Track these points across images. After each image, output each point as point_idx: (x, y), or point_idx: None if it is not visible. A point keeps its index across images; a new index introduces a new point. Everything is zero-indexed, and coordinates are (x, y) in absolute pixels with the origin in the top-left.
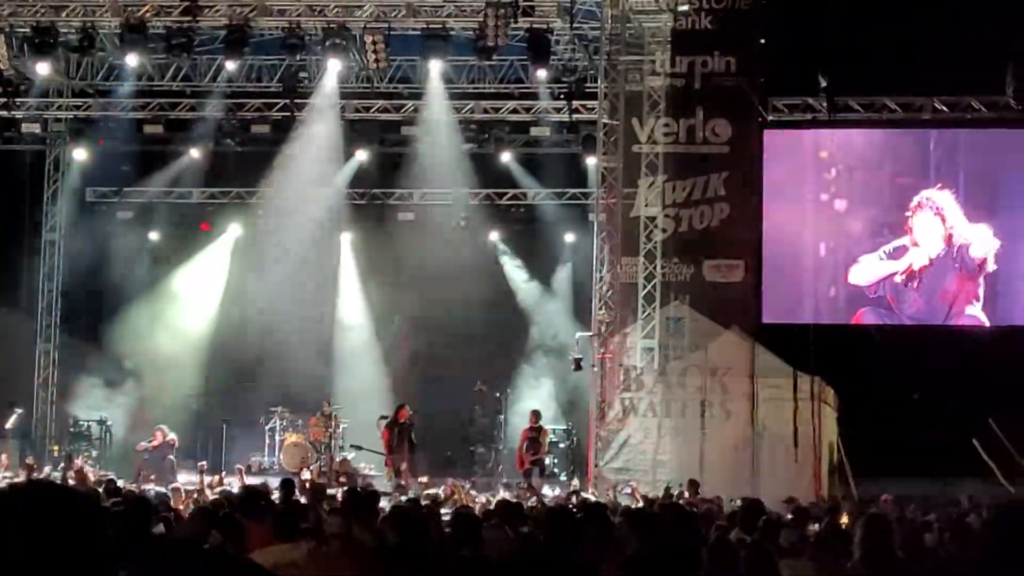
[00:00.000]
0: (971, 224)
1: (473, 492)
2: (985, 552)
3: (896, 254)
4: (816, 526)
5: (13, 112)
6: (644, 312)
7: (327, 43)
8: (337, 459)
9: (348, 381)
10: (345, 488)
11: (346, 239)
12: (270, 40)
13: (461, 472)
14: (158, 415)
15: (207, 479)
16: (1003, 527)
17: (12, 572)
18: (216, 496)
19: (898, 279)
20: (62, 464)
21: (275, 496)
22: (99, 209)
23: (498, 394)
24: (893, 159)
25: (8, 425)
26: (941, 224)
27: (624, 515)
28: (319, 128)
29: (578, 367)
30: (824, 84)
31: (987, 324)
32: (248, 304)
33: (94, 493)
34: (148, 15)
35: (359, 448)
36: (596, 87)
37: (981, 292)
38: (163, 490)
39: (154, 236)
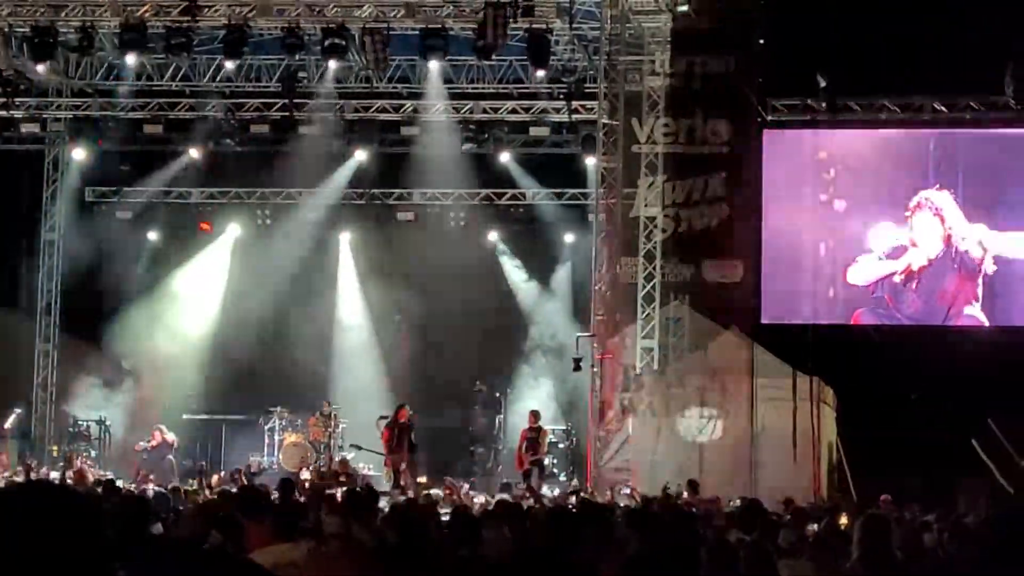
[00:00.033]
0: (970, 224)
1: (472, 492)
2: (984, 552)
3: (895, 254)
4: (815, 526)
5: (12, 112)
6: (643, 312)
7: (326, 43)
8: (336, 459)
9: (348, 381)
10: (344, 488)
11: (345, 239)
12: (269, 40)
13: (460, 472)
14: (157, 415)
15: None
16: (1002, 527)
17: (11, 572)
18: (215, 496)
19: (897, 279)
20: (61, 464)
21: (274, 496)
22: (98, 209)
23: (497, 394)
24: (892, 160)
25: (7, 425)
26: (940, 224)
27: (624, 515)
28: (318, 128)
29: (577, 367)
30: (823, 84)
31: (985, 321)
32: (247, 304)
33: (93, 493)
34: (147, 15)
35: (359, 448)
36: (595, 87)
37: (980, 292)
38: (162, 490)
39: (153, 236)
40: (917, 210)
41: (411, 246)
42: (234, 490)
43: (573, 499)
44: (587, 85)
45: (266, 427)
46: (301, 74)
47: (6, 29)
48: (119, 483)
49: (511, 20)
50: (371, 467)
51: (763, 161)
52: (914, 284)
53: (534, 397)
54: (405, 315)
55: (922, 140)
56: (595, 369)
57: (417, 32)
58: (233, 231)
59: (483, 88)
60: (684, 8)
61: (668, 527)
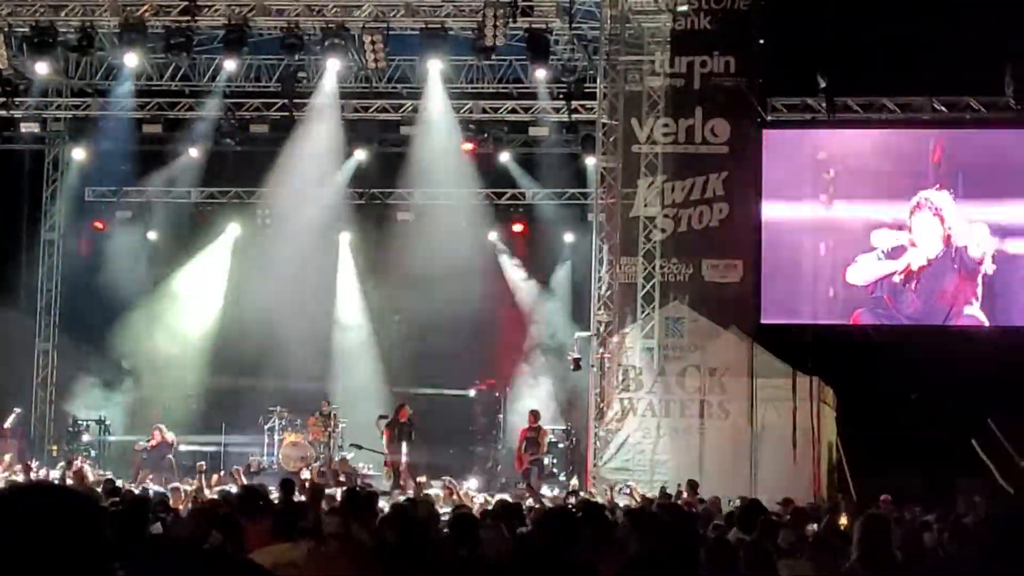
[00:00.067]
0: (969, 224)
1: (471, 492)
2: (984, 552)
3: (894, 254)
4: (815, 526)
5: (12, 112)
6: (643, 312)
7: (326, 43)
8: (336, 459)
9: (347, 381)
10: (344, 488)
11: (345, 239)
12: (269, 40)
13: (460, 472)
14: (157, 414)
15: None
16: (1002, 528)
17: (11, 572)
18: (215, 496)
19: (896, 279)
20: (61, 464)
21: (274, 496)
22: (98, 208)
23: (497, 394)
24: (892, 159)
25: (7, 424)
26: (940, 225)
27: (624, 515)
28: (318, 128)
29: (577, 367)
30: (823, 84)
31: (985, 321)
32: (247, 304)
33: (92, 493)
34: (147, 14)
35: (359, 447)
36: (595, 87)
37: (979, 292)
38: (162, 490)
39: (153, 236)
40: (917, 210)
41: (410, 246)
42: (233, 490)
43: (572, 499)
44: (587, 85)
45: (266, 427)
46: (301, 74)
47: (6, 29)
48: (119, 483)
49: (511, 20)
50: (371, 467)
51: (763, 161)
52: (914, 284)
53: (533, 397)
54: (404, 315)
55: (922, 140)
56: (595, 369)
57: (417, 32)
58: (232, 231)
59: (482, 88)
60: (684, 8)
61: (668, 527)
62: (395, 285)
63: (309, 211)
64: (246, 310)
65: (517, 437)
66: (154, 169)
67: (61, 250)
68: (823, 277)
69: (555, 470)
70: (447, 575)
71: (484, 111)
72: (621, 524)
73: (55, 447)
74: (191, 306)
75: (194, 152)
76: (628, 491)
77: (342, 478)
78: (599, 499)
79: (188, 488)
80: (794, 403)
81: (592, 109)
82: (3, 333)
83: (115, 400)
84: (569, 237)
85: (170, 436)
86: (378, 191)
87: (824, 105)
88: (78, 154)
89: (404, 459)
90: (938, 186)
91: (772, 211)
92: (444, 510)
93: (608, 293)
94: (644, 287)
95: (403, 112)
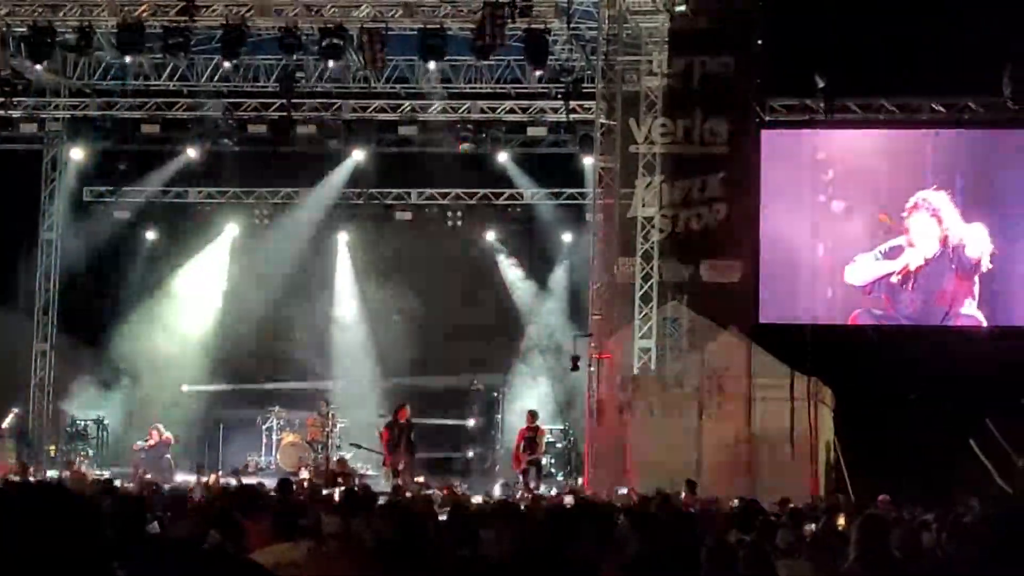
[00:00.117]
0: (967, 224)
1: (469, 492)
2: (983, 552)
3: (892, 254)
4: (813, 526)
5: (10, 112)
6: (641, 312)
7: (324, 43)
8: (334, 459)
9: (345, 381)
10: (342, 488)
11: (343, 239)
12: (267, 40)
13: (458, 472)
14: (155, 414)
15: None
16: (1001, 528)
17: (10, 572)
18: (213, 495)
19: (894, 279)
20: (60, 464)
21: (273, 496)
22: (96, 209)
23: (495, 394)
24: (890, 160)
25: (5, 424)
26: (937, 225)
27: (625, 515)
28: (316, 128)
29: (575, 367)
30: (822, 85)
31: (984, 321)
32: (245, 304)
33: (91, 493)
34: (145, 15)
35: (358, 447)
36: (593, 87)
37: (976, 291)
38: (160, 489)
39: (151, 236)
40: (914, 210)
41: (409, 246)
42: (232, 489)
43: (570, 499)
44: (585, 85)
45: (264, 427)
46: (299, 74)
47: (4, 29)
48: (117, 482)
49: (509, 20)
50: (370, 467)
51: (761, 161)
52: (911, 284)
53: (532, 397)
54: (403, 315)
55: (920, 140)
56: (592, 369)
57: (415, 32)
58: (231, 231)
59: (481, 88)
60: (682, 8)
61: (667, 527)
62: (393, 285)
63: (307, 211)
64: (244, 310)
65: (515, 437)
66: (152, 169)
67: (59, 250)
68: (821, 277)
69: (553, 470)
70: (447, 575)
71: (482, 111)
72: (621, 524)
73: (53, 447)
74: (189, 306)
75: (192, 152)
76: (626, 491)
77: (340, 478)
78: (597, 499)
79: (186, 488)
80: (792, 403)
81: (590, 109)
82: (1, 333)
83: (113, 400)
84: (567, 237)
85: (168, 435)
86: (376, 191)
87: (822, 106)
88: (76, 154)
89: (403, 459)
90: (935, 186)
91: (770, 211)
92: (442, 510)
93: (606, 293)
94: (642, 287)
95: (401, 112)
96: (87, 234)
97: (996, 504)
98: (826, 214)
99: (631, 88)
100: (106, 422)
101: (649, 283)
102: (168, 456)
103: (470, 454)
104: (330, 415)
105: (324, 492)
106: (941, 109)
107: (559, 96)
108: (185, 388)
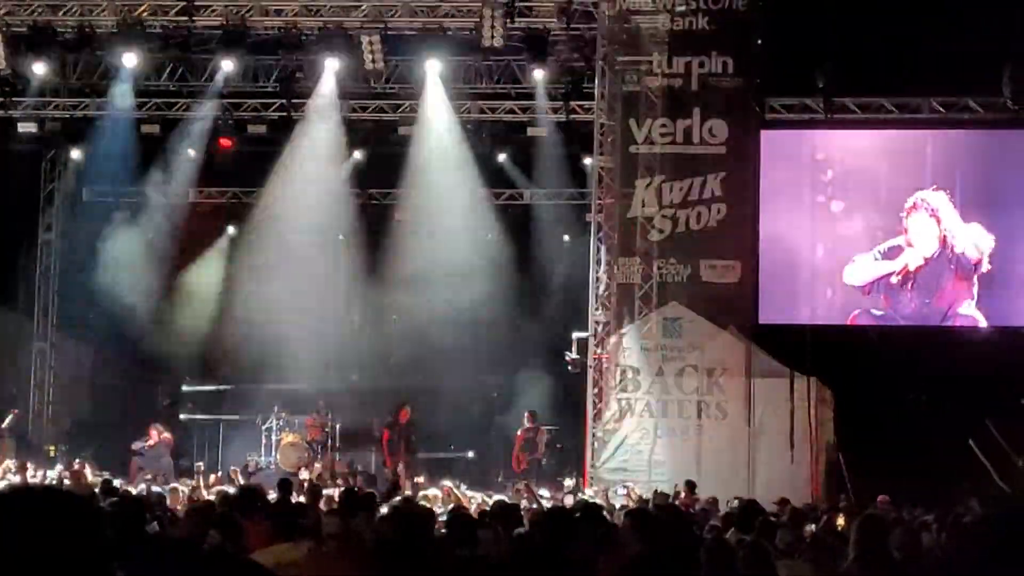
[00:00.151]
0: (966, 224)
1: (469, 493)
2: (983, 553)
3: (891, 254)
4: (812, 527)
5: (10, 112)
6: (641, 312)
7: (324, 43)
8: (334, 459)
9: (345, 381)
10: (342, 488)
11: (343, 239)
12: (267, 40)
13: (458, 473)
14: (155, 414)
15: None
16: (1001, 528)
17: (10, 573)
18: (213, 496)
19: (893, 280)
20: (59, 464)
21: (272, 496)
22: (96, 208)
23: (494, 394)
24: (890, 160)
25: (4, 425)
26: (936, 225)
27: (625, 515)
28: (317, 128)
29: (575, 367)
30: (821, 85)
31: (983, 321)
32: (244, 304)
33: (91, 494)
34: (145, 14)
35: (358, 447)
36: (593, 87)
37: (976, 292)
38: (160, 489)
39: (150, 235)
40: (913, 211)
41: (408, 246)
42: (231, 490)
43: (570, 499)
44: (585, 85)
45: (263, 427)
46: (299, 74)
47: (3, 28)
48: (116, 483)
49: (509, 20)
50: (368, 467)
51: (761, 162)
52: (910, 285)
53: (531, 397)
54: (402, 315)
55: (920, 141)
56: (592, 369)
57: (415, 32)
58: (230, 231)
59: (480, 88)
60: (682, 8)
61: (667, 528)
62: (393, 285)
63: (307, 211)
64: (244, 310)
65: (514, 438)
66: (152, 169)
67: (59, 251)
68: (821, 278)
69: (552, 470)
70: (446, 575)
71: (482, 111)
72: (621, 525)
73: (53, 448)
74: (188, 305)
75: (192, 152)
76: (626, 492)
77: (340, 479)
78: (597, 500)
79: (185, 488)
80: (792, 403)
81: (590, 109)
82: (1, 334)
83: (113, 400)
84: (567, 237)
85: (167, 435)
86: (376, 191)
87: (822, 105)
88: (76, 154)
89: (403, 460)
90: (935, 186)
91: (770, 212)
92: (442, 511)
93: (606, 293)
94: (642, 287)
95: (401, 112)
96: (87, 234)
97: (996, 504)
98: (825, 214)
99: (631, 88)
100: (106, 422)
101: (649, 283)
102: (167, 456)
103: (470, 454)
104: (330, 415)
105: (324, 492)
106: (941, 109)
107: (559, 96)
108: (185, 388)
